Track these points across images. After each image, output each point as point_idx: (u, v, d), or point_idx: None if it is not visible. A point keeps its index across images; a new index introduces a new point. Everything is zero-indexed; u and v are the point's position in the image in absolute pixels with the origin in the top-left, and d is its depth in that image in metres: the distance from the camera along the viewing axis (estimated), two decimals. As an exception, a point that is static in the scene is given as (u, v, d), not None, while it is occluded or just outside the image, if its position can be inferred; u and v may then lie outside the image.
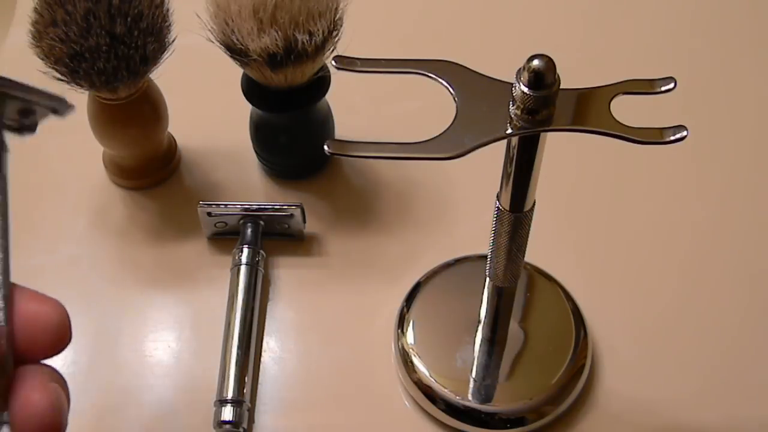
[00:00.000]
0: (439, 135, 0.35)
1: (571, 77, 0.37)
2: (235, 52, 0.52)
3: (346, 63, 0.39)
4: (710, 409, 0.51)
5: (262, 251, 0.56)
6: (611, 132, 0.35)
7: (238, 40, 0.51)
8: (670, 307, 0.55)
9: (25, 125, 0.42)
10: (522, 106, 0.35)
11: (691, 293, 0.56)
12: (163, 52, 0.53)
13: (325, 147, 0.36)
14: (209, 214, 0.56)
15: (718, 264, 0.57)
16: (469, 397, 0.49)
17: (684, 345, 0.53)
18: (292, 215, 0.56)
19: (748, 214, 0.60)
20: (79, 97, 0.54)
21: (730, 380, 0.52)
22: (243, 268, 0.55)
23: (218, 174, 0.62)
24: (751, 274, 0.57)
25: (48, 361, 0.54)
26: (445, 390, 0.49)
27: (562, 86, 0.35)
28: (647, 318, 0.54)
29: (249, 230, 0.56)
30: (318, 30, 0.51)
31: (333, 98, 0.58)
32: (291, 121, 0.58)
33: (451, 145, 0.35)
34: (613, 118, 0.35)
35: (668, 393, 0.51)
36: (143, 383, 0.52)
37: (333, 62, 0.39)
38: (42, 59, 0.51)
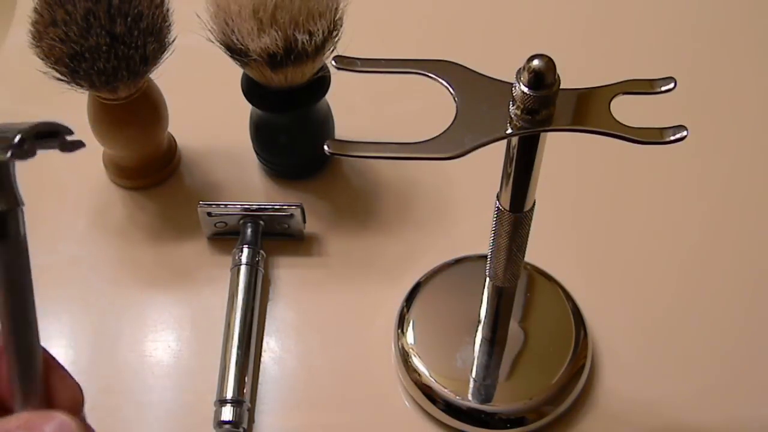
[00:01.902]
0: (439, 135, 0.35)
1: (571, 77, 0.37)
2: (235, 52, 0.52)
3: (346, 63, 0.39)
4: (710, 409, 0.51)
5: (262, 251, 0.56)
6: (611, 132, 0.35)
7: (238, 40, 0.51)
8: (671, 307, 0.55)
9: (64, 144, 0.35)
10: (522, 106, 0.35)
11: (692, 293, 0.56)
12: (163, 52, 0.53)
13: (325, 147, 0.36)
14: (209, 214, 0.56)
15: (718, 264, 0.57)
16: (469, 397, 0.49)
17: (684, 345, 0.53)
18: (292, 215, 0.56)
19: (749, 215, 0.60)
20: (79, 97, 0.54)
21: (730, 380, 0.52)
22: (243, 268, 0.55)
23: (218, 174, 0.62)
24: (752, 274, 0.57)
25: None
26: (445, 390, 0.49)
27: (562, 86, 0.35)
28: (647, 318, 0.54)
29: (249, 230, 0.56)
30: (318, 30, 0.51)
31: (333, 98, 0.58)
32: (291, 121, 0.58)
33: (451, 145, 0.35)
34: (613, 118, 0.35)
35: (668, 393, 0.51)
36: (143, 383, 0.52)
37: (333, 62, 0.39)
38: (42, 59, 0.51)
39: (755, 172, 0.62)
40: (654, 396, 0.51)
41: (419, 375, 0.50)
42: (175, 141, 0.62)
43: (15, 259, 0.31)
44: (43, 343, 0.53)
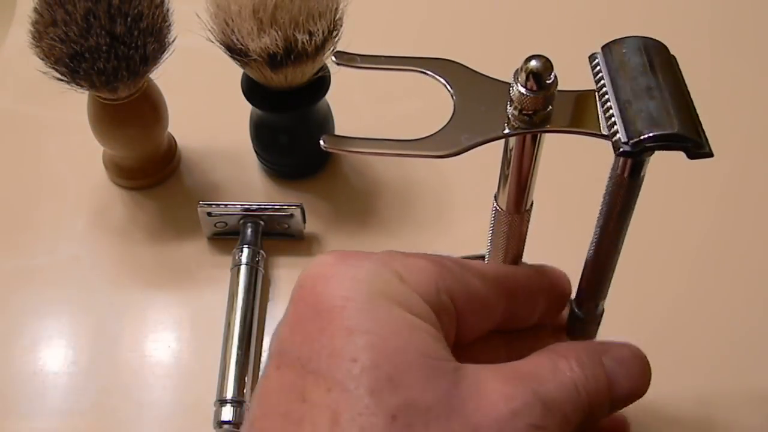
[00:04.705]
0: (436, 133, 0.35)
1: (570, 78, 0.37)
2: (235, 52, 0.52)
3: (347, 59, 0.39)
4: (710, 410, 0.51)
5: (262, 251, 0.56)
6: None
7: (238, 40, 0.51)
8: (670, 308, 0.55)
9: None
10: (519, 107, 0.35)
11: (692, 294, 0.56)
12: (163, 52, 0.53)
13: (321, 142, 0.36)
14: (209, 214, 0.56)
15: (719, 265, 0.57)
16: (469, 397, 0.49)
17: (684, 346, 0.53)
18: (292, 215, 0.56)
19: (750, 215, 0.60)
20: (79, 97, 0.54)
21: (731, 381, 0.52)
22: (243, 268, 0.55)
23: (218, 174, 0.62)
24: (754, 274, 0.56)
25: (46, 359, 0.55)
26: (445, 390, 0.49)
27: (560, 87, 0.35)
28: (646, 318, 0.54)
29: (249, 230, 0.56)
30: (318, 30, 0.51)
31: (333, 98, 0.58)
32: (291, 121, 0.58)
33: (448, 143, 0.35)
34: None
35: (668, 393, 0.51)
36: (143, 383, 0.52)
37: (333, 58, 0.39)
38: (42, 59, 0.51)
39: (756, 172, 0.62)
40: (653, 396, 0.51)
41: (418, 375, 0.50)
42: (175, 141, 0.62)
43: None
44: (42, 343, 0.54)
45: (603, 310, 0.43)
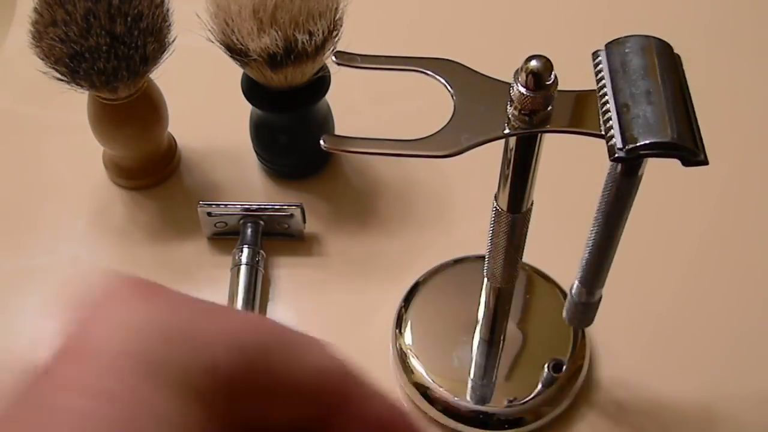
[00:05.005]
0: (436, 133, 0.35)
1: (570, 78, 0.37)
2: (235, 52, 0.52)
3: (347, 59, 0.39)
4: (709, 411, 0.51)
5: (262, 251, 0.56)
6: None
7: (238, 40, 0.51)
8: (669, 308, 0.55)
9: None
10: (519, 107, 0.35)
11: (691, 294, 0.56)
12: (163, 52, 0.53)
13: (321, 142, 0.36)
14: (209, 214, 0.56)
15: (718, 265, 0.57)
16: (467, 397, 0.49)
17: (682, 346, 0.53)
18: (292, 215, 0.56)
19: (749, 216, 0.60)
20: (79, 97, 0.54)
21: (729, 381, 0.52)
22: (243, 268, 0.55)
23: (218, 174, 0.62)
24: (752, 274, 0.57)
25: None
26: (443, 391, 0.49)
27: (560, 87, 0.35)
28: (645, 319, 0.54)
29: (249, 230, 0.56)
30: (318, 30, 0.51)
31: (333, 98, 0.58)
32: (291, 121, 0.58)
33: (448, 143, 0.35)
34: (611, 119, 0.35)
35: (666, 394, 0.51)
36: (142, 383, 0.52)
37: (333, 58, 0.39)
38: (42, 59, 0.51)
39: (755, 173, 0.62)
40: (652, 397, 0.51)
41: (417, 376, 0.50)
42: (175, 141, 0.62)
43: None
44: (42, 343, 0.54)
45: (600, 297, 0.43)
